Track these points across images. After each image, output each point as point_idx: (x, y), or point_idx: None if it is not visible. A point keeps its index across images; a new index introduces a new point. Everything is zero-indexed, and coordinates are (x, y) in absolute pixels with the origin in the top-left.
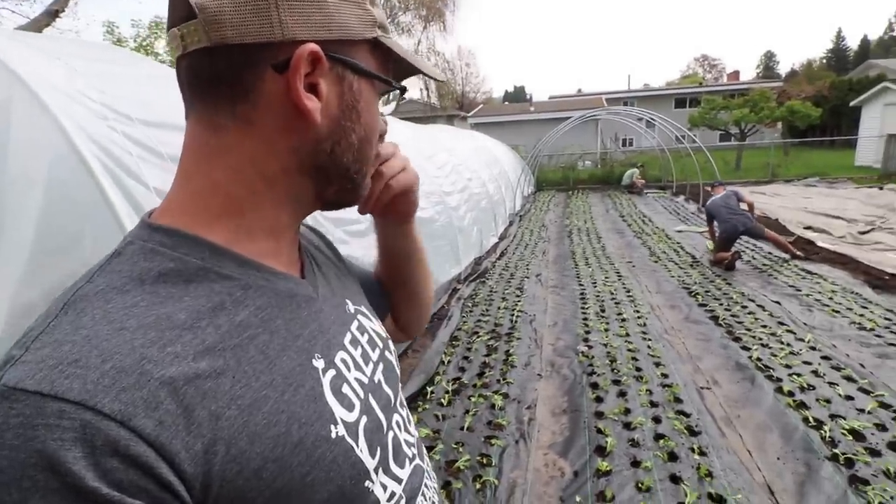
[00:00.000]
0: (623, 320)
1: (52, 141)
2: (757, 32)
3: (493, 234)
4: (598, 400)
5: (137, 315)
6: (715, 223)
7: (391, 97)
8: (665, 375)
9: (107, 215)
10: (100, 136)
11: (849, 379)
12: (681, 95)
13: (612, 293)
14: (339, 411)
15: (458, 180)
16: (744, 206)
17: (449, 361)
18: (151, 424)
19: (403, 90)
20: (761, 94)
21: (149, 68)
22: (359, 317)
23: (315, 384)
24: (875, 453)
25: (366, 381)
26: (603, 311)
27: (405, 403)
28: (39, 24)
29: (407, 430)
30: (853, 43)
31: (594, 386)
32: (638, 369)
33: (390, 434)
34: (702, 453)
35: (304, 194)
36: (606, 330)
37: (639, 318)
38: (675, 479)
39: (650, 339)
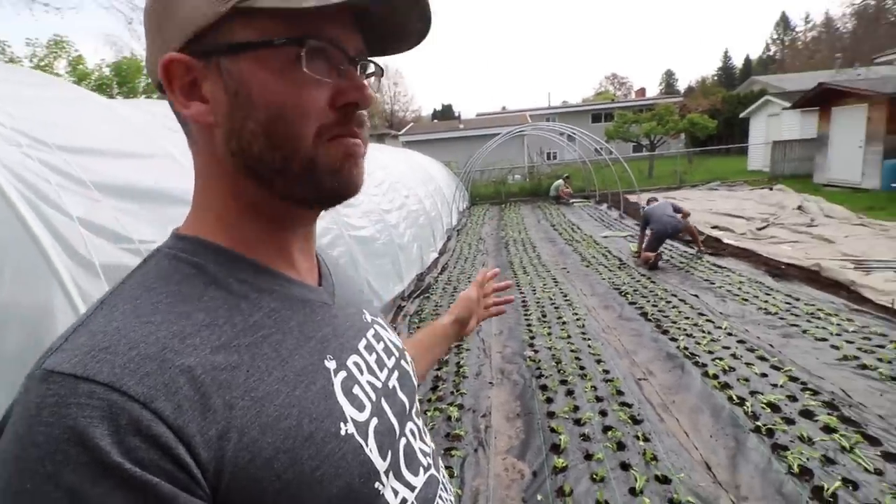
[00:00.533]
0: (564, 323)
1: None
2: (658, 52)
3: (433, 250)
4: (549, 401)
5: (162, 311)
6: (649, 227)
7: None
8: (606, 371)
9: (31, 249)
10: (14, 163)
11: (762, 358)
12: (596, 111)
13: (551, 298)
14: (349, 410)
15: (395, 198)
16: (678, 215)
17: None
18: (171, 407)
19: (300, 42)
20: (666, 108)
21: (60, 90)
22: (375, 326)
23: (326, 383)
24: (790, 422)
25: (379, 385)
26: (544, 316)
27: (420, 414)
28: None
29: (422, 440)
30: (738, 62)
31: (543, 388)
32: (582, 368)
33: (403, 440)
34: (646, 439)
35: (260, 198)
36: (549, 333)
37: (577, 319)
38: (624, 467)
39: (590, 339)
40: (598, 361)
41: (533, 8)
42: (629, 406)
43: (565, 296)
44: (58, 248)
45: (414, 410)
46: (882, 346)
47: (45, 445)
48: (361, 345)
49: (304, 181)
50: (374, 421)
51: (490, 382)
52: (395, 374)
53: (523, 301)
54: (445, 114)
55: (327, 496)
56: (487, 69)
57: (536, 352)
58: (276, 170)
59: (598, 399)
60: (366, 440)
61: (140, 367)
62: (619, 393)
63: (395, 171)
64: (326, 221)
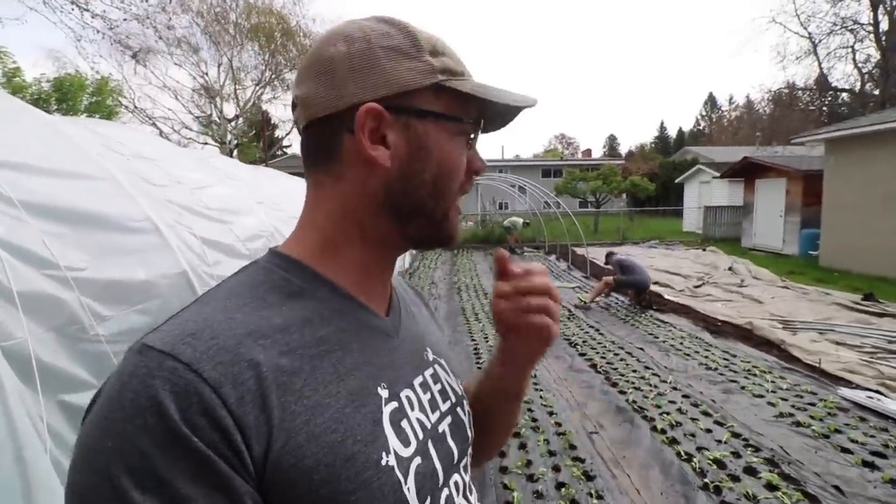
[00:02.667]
0: None
1: None
2: (603, 117)
3: None
4: (502, 455)
5: (245, 311)
6: (628, 275)
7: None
8: (559, 424)
9: None
10: None
11: (706, 413)
12: (546, 167)
13: None
14: (393, 441)
15: None
16: None
17: None
18: (235, 396)
19: (477, 122)
20: (610, 169)
21: (1, 103)
22: (436, 366)
23: (375, 409)
24: (735, 479)
25: (428, 426)
26: None
27: (469, 470)
28: None
29: (466, 498)
30: (672, 132)
31: None
32: (534, 420)
33: (445, 491)
34: (599, 497)
35: (388, 233)
36: None
37: None
38: None
39: (542, 390)
40: (551, 413)
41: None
42: (582, 461)
43: None
44: None
45: (463, 464)
46: (813, 404)
47: (130, 409)
48: (417, 381)
49: (438, 225)
50: (418, 460)
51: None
52: (448, 419)
53: (475, 349)
54: None
55: None
56: None
57: None
58: (427, 213)
59: (551, 453)
60: (405, 478)
61: (217, 355)
62: (572, 447)
63: None
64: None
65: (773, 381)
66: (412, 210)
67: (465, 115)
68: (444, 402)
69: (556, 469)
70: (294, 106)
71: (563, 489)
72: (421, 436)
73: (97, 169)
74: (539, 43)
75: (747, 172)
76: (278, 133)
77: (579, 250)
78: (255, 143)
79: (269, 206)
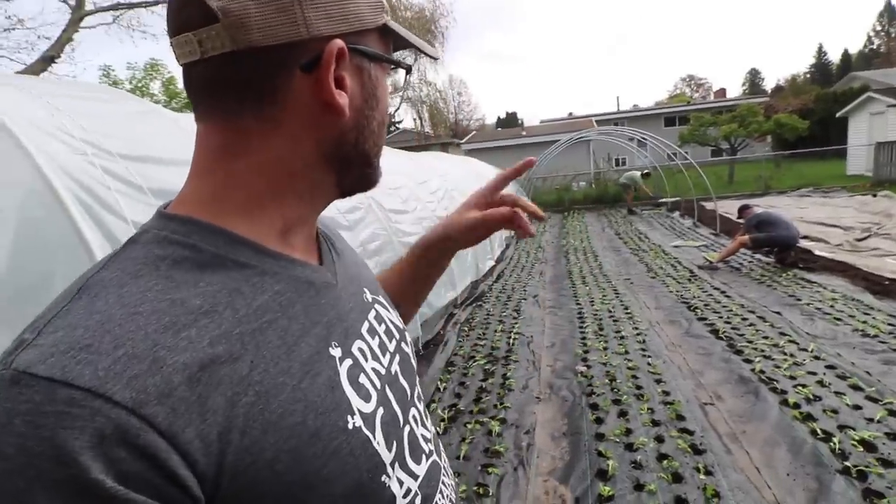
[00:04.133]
0: (622, 338)
1: (25, 178)
2: (741, 51)
3: (490, 258)
4: (599, 421)
5: (151, 300)
6: (766, 232)
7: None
8: (666, 393)
9: (79, 252)
10: (77, 171)
11: (855, 388)
12: (670, 114)
13: (610, 311)
14: (356, 401)
15: (451, 205)
16: None
17: (445, 388)
18: (164, 412)
19: (409, 69)
20: (748, 108)
21: (135, 105)
22: (376, 306)
23: (332, 373)
24: (888, 464)
25: (383, 371)
26: (601, 329)
27: (422, 398)
28: (35, 70)
29: (424, 426)
30: (835, 57)
31: (594, 407)
32: (638, 387)
33: (406, 428)
34: (708, 472)
35: (325, 185)
36: (605, 348)
37: (637, 334)
38: (681, 502)
39: (650, 356)
40: (658, 381)
41: (601, 5)
42: (690, 433)
43: (626, 308)
44: (109, 251)
45: (416, 394)
46: None
47: (16, 459)
48: (364, 328)
49: (375, 171)
50: (381, 411)
51: (537, 397)
52: (397, 357)
53: (580, 313)
54: (509, 122)
55: (333, 495)
56: (554, 75)
57: (589, 367)
58: (369, 163)
59: (655, 423)
60: (373, 432)
61: (127, 368)
62: (680, 418)
63: (452, 179)
64: (376, 227)
65: None
66: (359, 161)
67: (392, 56)
68: (390, 341)
69: (659, 440)
70: (203, 20)
71: (664, 461)
72: (379, 385)
73: None
74: None
75: None
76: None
77: (709, 205)
78: None
79: None
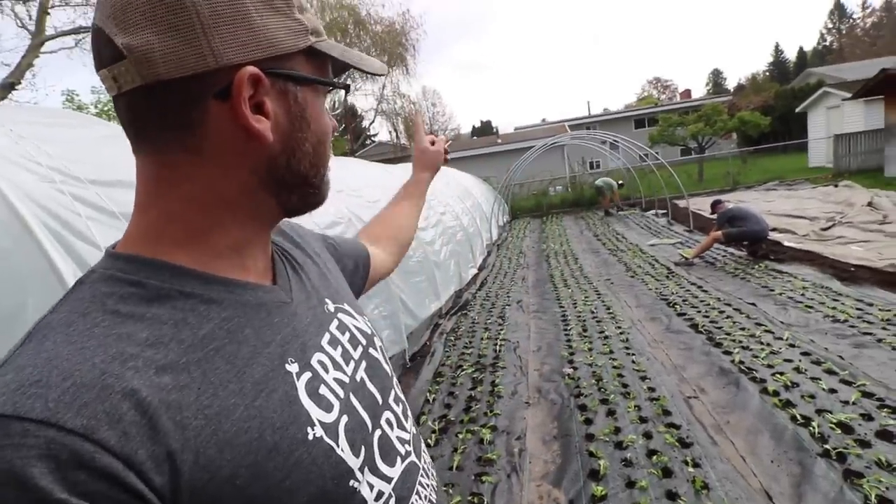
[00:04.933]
0: (606, 337)
1: None
2: (703, 52)
3: (472, 266)
4: (588, 422)
5: (98, 335)
6: (737, 225)
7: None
8: (652, 389)
9: (51, 281)
10: (45, 198)
11: (830, 372)
12: (639, 116)
13: (593, 312)
14: (315, 413)
15: (430, 215)
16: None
17: (434, 399)
18: (115, 436)
19: (347, 88)
20: (713, 108)
21: (103, 129)
22: (339, 315)
23: (289, 388)
24: (865, 444)
25: (346, 380)
26: (585, 330)
27: (401, 399)
28: None
29: (401, 427)
30: (791, 55)
31: (582, 408)
32: (624, 385)
33: (377, 433)
34: (696, 465)
35: (268, 209)
36: (590, 349)
37: (621, 333)
38: (671, 496)
39: (634, 354)
40: (643, 378)
41: (569, 15)
42: (677, 427)
43: (608, 308)
44: None
45: (391, 397)
46: None
47: None
48: (325, 340)
49: (319, 191)
50: (344, 419)
51: (526, 402)
52: (363, 364)
53: (563, 315)
54: (484, 130)
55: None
56: (526, 82)
57: (576, 369)
58: (309, 182)
59: (643, 420)
60: (336, 440)
61: (77, 397)
62: (666, 413)
63: (431, 189)
64: None
65: None
66: (296, 182)
67: (327, 76)
68: (355, 349)
69: (648, 436)
70: (113, 57)
71: (654, 457)
72: (342, 394)
73: None
74: None
75: (888, 87)
76: (364, 124)
77: (682, 203)
78: (344, 136)
79: (348, 194)
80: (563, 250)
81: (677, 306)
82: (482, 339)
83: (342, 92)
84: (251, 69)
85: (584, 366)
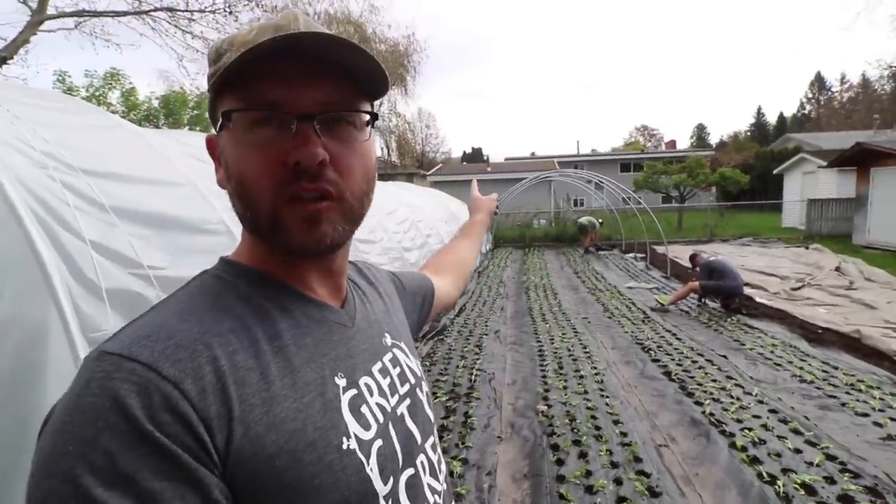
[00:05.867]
0: (581, 377)
1: None
2: (690, 106)
3: None
4: (560, 462)
5: (198, 314)
6: (715, 280)
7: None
8: (624, 434)
9: (33, 270)
10: (36, 184)
11: (796, 432)
12: (626, 160)
13: (570, 349)
14: (353, 427)
15: (417, 236)
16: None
17: None
18: (196, 390)
19: (228, 114)
20: (696, 161)
21: (100, 118)
22: (395, 350)
23: (334, 397)
24: None
25: (388, 409)
26: (561, 367)
27: (439, 451)
28: None
29: (434, 476)
30: (772, 118)
31: (555, 447)
32: (597, 428)
33: (409, 471)
34: None
35: (266, 245)
36: (565, 387)
37: (596, 374)
38: None
39: (608, 396)
40: (616, 422)
41: (566, 56)
42: (647, 475)
43: (585, 347)
44: (63, 270)
45: (429, 444)
46: None
47: (90, 412)
48: (376, 367)
49: (274, 237)
50: (379, 442)
51: (499, 437)
52: (407, 401)
53: (540, 350)
54: (475, 157)
55: None
56: (519, 115)
57: (550, 406)
58: (251, 227)
59: (614, 465)
60: (367, 458)
61: (175, 353)
62: (637, 459)
63: (419, 209)
64: None
65: (881, 399)
66: (246, 226)
67: (250, 103)
68: (402, 385)
69: (618, 482)
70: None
71: None
72: (381, 419)
73: (178, 176)
74: (621, 27)
75: (861, 160)
76: None
77: (660, 249)
78: None
79: None
80: (544, 284)
81: (652, 352)
82: (458, 367)
83: None
84: (206, 136)
85: (559, 404)
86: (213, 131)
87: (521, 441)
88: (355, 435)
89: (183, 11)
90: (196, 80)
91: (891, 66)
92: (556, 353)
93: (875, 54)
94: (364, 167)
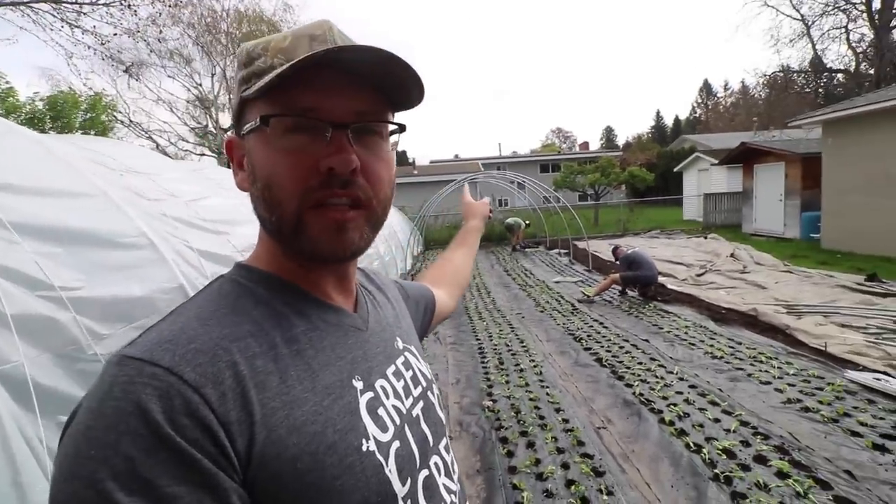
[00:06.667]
0: (521, 370)
1: None
2: (599, 109)
3: None
4: (510, 454)
5: (218, 318)
6: (634, 270)
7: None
8: (566, 420)
9: None
10: None
11: (713, 403)
12: (544, 161)
13: (508, 345)
14: (372, 429)
15: None
16: None
17: None
18: (216, 395)
19: (268, 118)
20: (608, 161)
21: None
22: (406, 353)
23: (352, 400)
24: (746, 468)
25: (403, 411)
26: (502, 363)
27: (450, 451)
28: None
29: (449, 476)
30: (669, 121)
31: (504, 440)
32: (541, 417)
33: (424, 472)
34: (609, 493)
35: (284, 250)
36: (507, 382)
37: (535, 366)
38: None
39: (548, 387)
40: (558, 410)
41: (483, 62)
42: (591, 457)
43: (522, 342)
44: None
45: (442, 445)
46: (820, 389)
47: (112, 416)
48: (390, 370)
49: (296, 241)
50: (396, 444)
51: (449, 436)
52: (421, 403)
53: (480, 348)
54: (400, 160)
55: None
56: (441, 119)
57: (495, 401)
58: (274, 230)
59: (560, 451)
60: (386, 460)
61: (195, 358)
62: (580, 444)
63: None
64: None
65: (779, 367)
66: (266, 228)
67: (286, 108)
68: (415, 387)
69: (566, 466)
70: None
71: (572, 486)
72: (398, 421)
73: (88, 186)
74: (533, 35)
75: (745, 158)
76: None
77: (581, 244)
78: None
79: None
80: (476, 283)
81: (583, 341)
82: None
83: None
84: (228, 137)
85: (503, 398)
86: (212, 129)
87: (471, 438)
88: (374, 437)
89: (71, 3)
90: (89, 80)
91: (765, 75)
92: (495, 349)
93: (752, 64)
94: (389, 176)
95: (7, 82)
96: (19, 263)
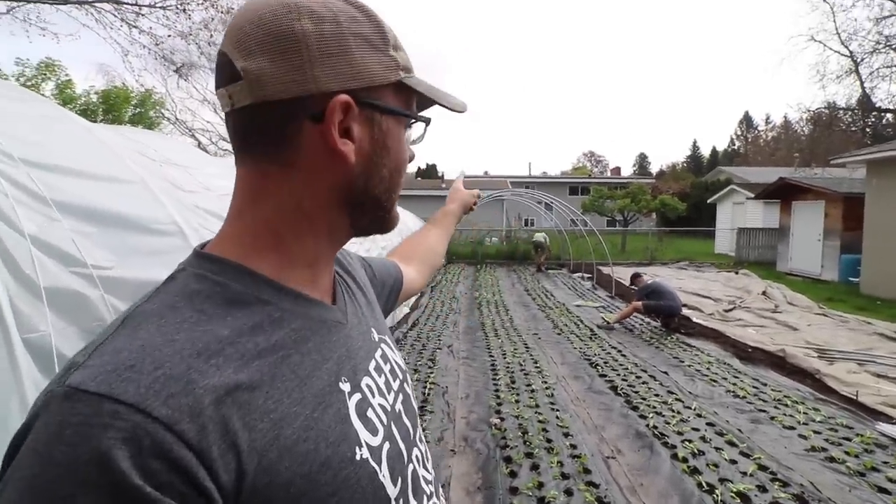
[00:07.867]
0: (532, 391)
1: None
2: (633, 136)
3: (406, 305)
4: (513, 475)
5: (187, 329)
6: (655, 299)
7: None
8: (574, 446)
9: None
10: None
11: (731, 444)
12: (574, 184)
13: (521, 364)
14: (363, 434)
15: (372, 248)
16: None
17: None
18: (194, 430)
19: (428, 122)
20: (639, 188)
21: (47, 108)
22: (382, 346)
23: (342, 406)
24: None
25: (389, 408)
26: (513, 382)
27: (424, 439)
28: None
29: (425, 467)
30: (706, 151)
31: (508, 460)
32: (549, 440)
33: (410, 466)
34: None
35: (340, 226)
36: (517, 401)
37: (546, 388)
38: None
39: (558, 410)
40: (566, 435)
41: (522, 80)
42: (596, 486)
43: (535, 362)
44: (1, 269)
45: (418, 435)
46: (848, 439)
47: (66, 465)
48: (371, 366)
49: (389, 216)
50: (386, 445)
51: (452, 450)
52: (400, 397)
53: (493, 364)
54: (429, 173)
55: None
56: (474, 135)
57: (503, 420)
58: (381, 206)
59: (565, 476)
60: (379, 465)
61: (165, 387)
62: (587, 471)
63: None
64: None
65: (805, 413)
66: (371, 204)
67: (411, 109)
68: (394, 380)
69: (569, 493)
70: (231, 78)
71: None
72: (385, 421)
73: (128, 173)
74: (571, 59)
75: (784, 194)
76: None
77: (605, 269)
78: None
79: None
80: (496, 300)
81: (599, 367)
82: (412, 380)
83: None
84: (344, 97)
85: (511, 417)
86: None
87: (475, 454)
88: (366, 443)
89: (131, 5)
90: (141, 78)
91: (809, 110)
92: (508, 367)
93: (796, 98)
94: None
95: (67, 75)
96: (57, 240)
